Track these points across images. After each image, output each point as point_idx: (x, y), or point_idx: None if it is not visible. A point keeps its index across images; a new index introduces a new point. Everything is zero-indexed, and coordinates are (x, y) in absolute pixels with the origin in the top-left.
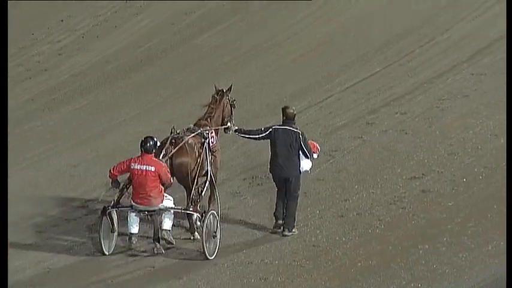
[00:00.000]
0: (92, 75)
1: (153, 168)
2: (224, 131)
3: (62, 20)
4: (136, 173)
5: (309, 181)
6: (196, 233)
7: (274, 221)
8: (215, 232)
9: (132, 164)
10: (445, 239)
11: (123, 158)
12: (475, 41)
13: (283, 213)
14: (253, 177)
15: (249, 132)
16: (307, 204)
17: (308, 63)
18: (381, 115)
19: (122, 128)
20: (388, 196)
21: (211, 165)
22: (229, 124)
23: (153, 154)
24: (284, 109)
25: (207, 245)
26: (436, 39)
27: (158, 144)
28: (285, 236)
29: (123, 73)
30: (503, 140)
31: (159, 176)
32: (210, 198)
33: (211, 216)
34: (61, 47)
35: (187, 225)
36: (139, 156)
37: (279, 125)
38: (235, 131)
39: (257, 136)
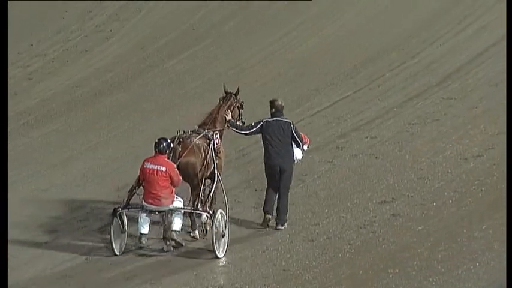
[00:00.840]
0: (62, 99)
1: (164, 169)
2: (227, 127)
3: (32, 45)
4: (147, 172)
5: None
6: (196, 231)
7: (263, 216)
8: (224, 231)
9: (146, 163)
10: (415, 263)
11: (93, 183)
12: (445, 66)
13: (275, 208)
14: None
15: (240, 128)
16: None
17: (278, 87)
18: (351, 139)
19: (92, 152)
20: (358, 220)
21: (216, 166)
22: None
23: (166, 155)
24: (272, 102)
25: (217, 244)
26: (406, 63)
27: (172, 145)
28: (279, 229)
29: (93, 98)
30: (473, 164)
31: (170, 176)
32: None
33: (220, 215)
34: (31, 72)
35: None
36: (153, 157)
37: (269, 118)
38: (228, 121)
39: (248, 131)
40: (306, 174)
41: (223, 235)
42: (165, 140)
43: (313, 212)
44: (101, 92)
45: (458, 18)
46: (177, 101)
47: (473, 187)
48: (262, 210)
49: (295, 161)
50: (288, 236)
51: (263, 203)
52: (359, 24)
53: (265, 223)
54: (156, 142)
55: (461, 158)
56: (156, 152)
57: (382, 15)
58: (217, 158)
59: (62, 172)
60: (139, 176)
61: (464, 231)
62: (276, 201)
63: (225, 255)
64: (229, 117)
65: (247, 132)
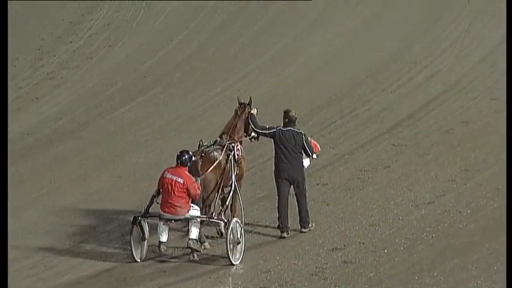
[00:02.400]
0: (14, 147)
1: (182, 180)
2: (250, 140)
3: None
4: (166, 181)
5: None
6: (206, 243)
7: (281, 226)
8: (239, 238)
9: (166, 172)
10: None
11: (44, 230)
12: (396, 112)
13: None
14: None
15: (256, 124)
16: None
17: None
18: None
19: (42, 200)
20: (310, 267)
21: (235, 176)
22: (253, 133)
23: (187, 168)
24: (286, 112)
25: (232, 251)
26: (357, 110)
27: (193, 158)
28: (303, 232)
29: (45, 145)
30: (424, 211)
31: (187, 189)
32: (232, 206)
33: (236, 223)
34: None
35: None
36: (174, 167)
37: (283, 127)
38: (251, 115)
39: (262, 131)
40: (258, 221)
41: (239, 242)
42: (187, 152)
43: (265, 259)
44: (52, 140)
45: (409, 65)
46: (129, 148)
47: (425, 234)
48: (277, 227)
49: (305, 167)
50: (239, 283)
51: (277, 219)
52: (310, 71)
53: (283, 232)
54: (178, 154)
55: (413, 204)
56: (177, 163)
57: (333, 62)
58: (237, 168)
59: (12, 220)
60: (158, 185)
61: (416, 278)
62: (297, 207)
63: (240, 262)
64: (253, 111)
65: (261, 131)
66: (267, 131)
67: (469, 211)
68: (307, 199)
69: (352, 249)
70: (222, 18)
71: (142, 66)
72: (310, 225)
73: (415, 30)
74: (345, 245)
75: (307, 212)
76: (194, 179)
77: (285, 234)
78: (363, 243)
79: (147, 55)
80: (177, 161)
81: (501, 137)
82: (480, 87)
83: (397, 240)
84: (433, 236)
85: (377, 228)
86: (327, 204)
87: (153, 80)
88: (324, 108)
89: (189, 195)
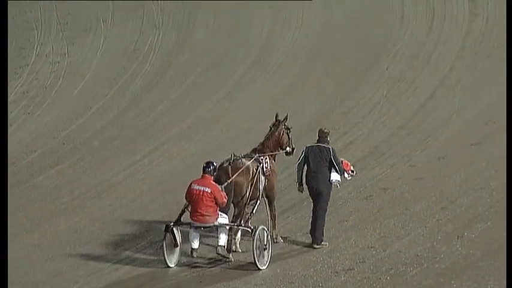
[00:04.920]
0: None
1: (209, 190)
2: (286, 154)
3: None
4: (194, 192)
5: None
6: (231, 255)
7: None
8: (265, 245)
9: (193, 184)
10: None
11: None
12: None
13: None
14: None
15: (300, 175)
16: None
17: (147, 203)
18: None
19: None
20: None
21: (264, 187)
22: (288, 148)
23: (212, 177)
24: (319, 130)
25: (259, 257)
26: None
27: (224, 165)
28: (315, 248)
29: None
30: (343, 277)
31: (214, 197)
32: (270, 215)
33: (262, 230)
34: None
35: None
36: (200, 178)
37: (312, 144)
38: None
39: (298, 166)
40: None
41: (265, 249)
42: (212, 163)
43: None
44: None
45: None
46: (47, 216)
47: None
48: (309, 233)
49: (333, 183)
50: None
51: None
52: (230, 137)
53: (319, 247)
54: (204, 165)
55: (332, 271)
56: (204, 173)
57: (253, 128)
58: (266, 180)
59: None
60: (185, 197)
61: None
62: (311, 221)
63: (267, 267)
64: (289, 149)
65: (299, 168)
66: (299, 160)
67: (388, 277)
68: (324, 217)
69: None
70: (141, 85)
71: (61, 134)
72: (323, 242)
73: (334, 96)
74: None
75: (322, 229)
76: (220, 188)
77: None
78: None
79: (66, 122)
80: (203, 171)
81: (422, 202)
82: (398, 154)
83: None
84: None
85: None
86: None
87: (72, 147)
88: None
89: (216, 203)
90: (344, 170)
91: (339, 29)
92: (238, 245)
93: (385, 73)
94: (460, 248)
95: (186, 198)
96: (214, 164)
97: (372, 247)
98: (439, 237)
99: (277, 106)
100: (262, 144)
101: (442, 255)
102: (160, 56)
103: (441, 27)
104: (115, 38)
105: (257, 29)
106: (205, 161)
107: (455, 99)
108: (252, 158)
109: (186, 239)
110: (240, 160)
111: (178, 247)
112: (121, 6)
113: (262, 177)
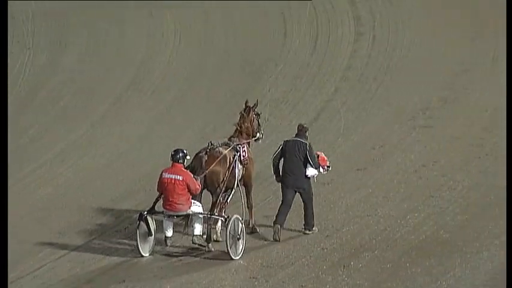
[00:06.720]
0: None
1: (181, 178)
2: (255, 141)
3: None
4: (165, 181)
5: None
6: (210, 244)
7: (275, 228)
8: (239, 235)
9: (164, 173)
10: None
11: None
12: None
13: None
14: None
15: (276, 167)
16: None
17: (25, 226)
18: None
19: None
20: None
21: (241, 176)
22: (258, 134)
23: (182, 165)
24: (298, 125)
25: (232, 247)
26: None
27: (188, 156)
28: (307, 234)
29: None
30: None
31: (187, 185)
32: (247, 204)
33: (236, 220)
34: None
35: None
36: (170, 167)
37: (290, 138)
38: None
39: (275, 159)
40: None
41: (239, 238)
42: (181, 150)
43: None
44: None
45: None
46: None
47: None
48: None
49: (310, 177)
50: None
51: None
52: (105, 163)
53: (275, 234)
54: (172, 153)
55: None
56: (172, 162)
57: (129, 153)
58: (244, 168)
59: None
60: (157, 187)
61: None
62: (303, 210)
63: (241, 257)
64: (259, 135)
65: (275, 161)
66: (276, 153)
67: None
68: (312, 204)
69: None
70: (11, 110)
71: None
72: (314, 228)
73: (213, 121)
74: None
75: (312, 215)
76: (190, 174)
77: (277, 226)
78: None
79: None
80: (171, 159)
81: None
82: None
83: None
84: None
85: None
86: None
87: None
88: (120, 202)
89: (189, 191)
90: (319, 165)
91: (219, 48)
92: (219, 234)
93: (267, 95)
94: (346, 278)
95: (157, 189)
96: (185, 151)
97: (253, 277)
98: (325, 267)
99: (153, 131)
100: (236, 131)
101: (327, 286)
102: (31, 77)
103: (326, 47)
104: None
105: (133, 49)
106: (174, 148)
107: (340, 122)
108: (230, 146)
109: (160, 228)
110: (217, 149)
111: (153, 236)
112: None
113: (240, 166)
